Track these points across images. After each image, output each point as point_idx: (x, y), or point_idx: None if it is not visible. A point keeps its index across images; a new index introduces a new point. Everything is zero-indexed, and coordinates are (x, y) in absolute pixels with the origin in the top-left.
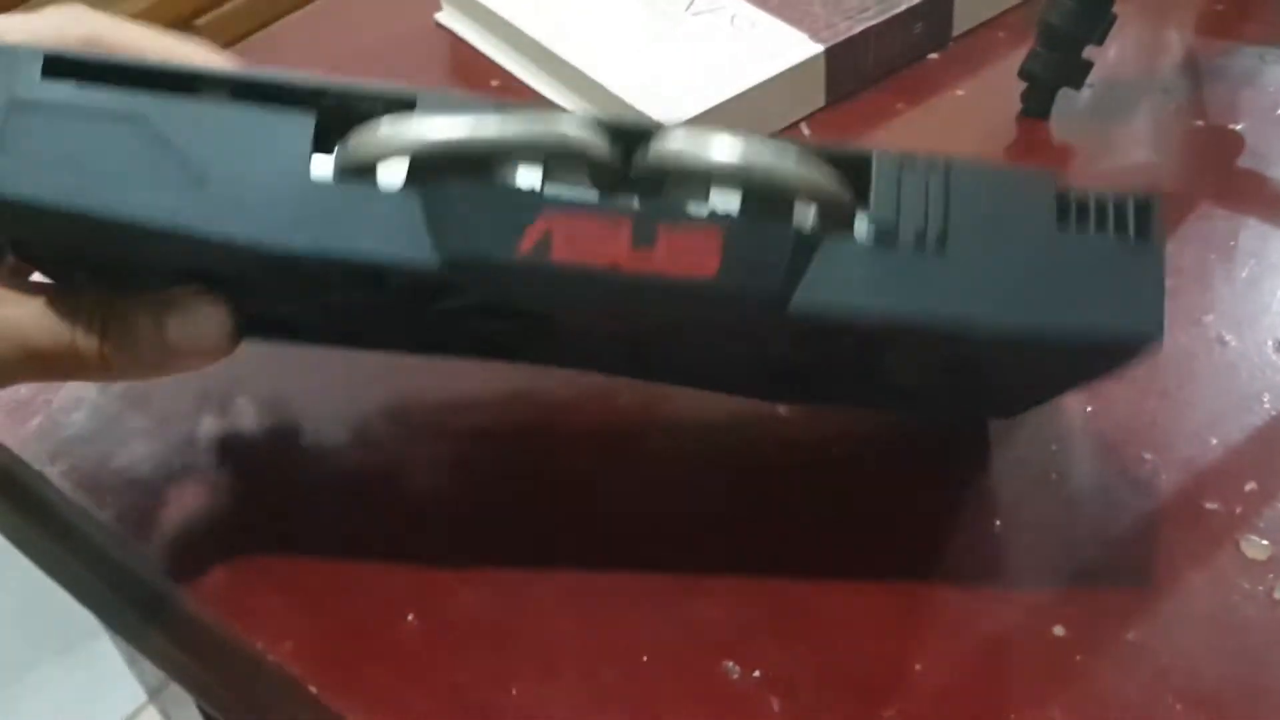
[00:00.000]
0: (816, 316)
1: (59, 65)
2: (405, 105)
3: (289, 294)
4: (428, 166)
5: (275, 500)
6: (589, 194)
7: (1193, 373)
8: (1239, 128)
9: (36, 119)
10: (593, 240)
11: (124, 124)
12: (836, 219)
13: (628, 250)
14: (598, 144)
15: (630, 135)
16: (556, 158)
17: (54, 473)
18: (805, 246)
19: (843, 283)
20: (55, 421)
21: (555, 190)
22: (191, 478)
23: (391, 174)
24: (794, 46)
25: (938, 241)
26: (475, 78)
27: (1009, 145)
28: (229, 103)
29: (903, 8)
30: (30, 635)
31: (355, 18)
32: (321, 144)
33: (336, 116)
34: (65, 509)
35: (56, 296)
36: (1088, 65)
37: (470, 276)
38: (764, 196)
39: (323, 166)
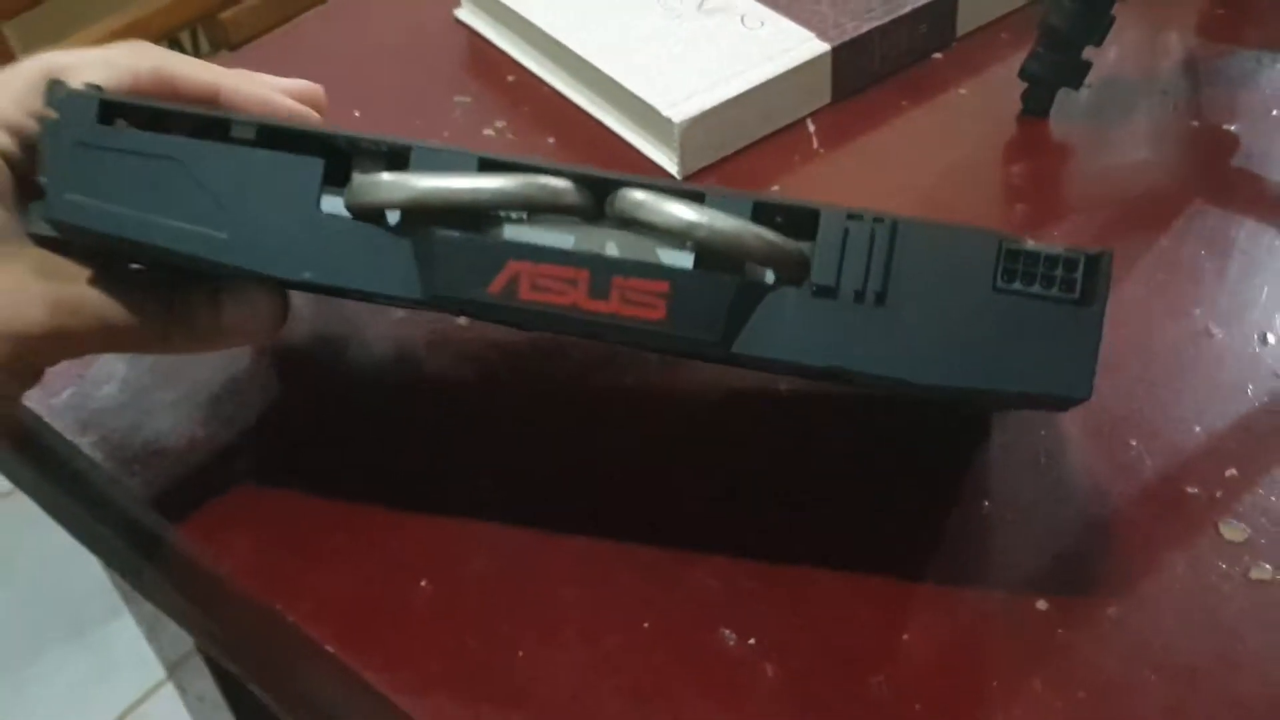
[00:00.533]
0: (757, 358)
1: (111, 110)
2: (402, 154)
3: (318, 290)
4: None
5: (298, 471)
6: (564, 237)
7: (1180, 363)
8: (1234, 128)
9: (93, 159)
10: (554, 285)
11: (163, 164)
12: (790, 273)
13: (585, 296)
14: (565, 201)
15: (601, 185)
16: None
17: (85, 443)
18: (748, 297)
19: (782, 332)
20: (86, 394)
21: (533, 232)
22: (216, 449)
23: (389, 214)
24: (801, 45)
25: (877, 297)
26: (492, 72)
27: (1009, 143)
28: (252, 147)
29: (908, 9)
30: (42, 619)
31: (376, 13)
32: (333, 178)
33: (347, 157)
34: (95, 477)
35: (128, 279)
36: (1086, 66)
37: (451, 307)
38: (714, 254)
39: (332, 203)
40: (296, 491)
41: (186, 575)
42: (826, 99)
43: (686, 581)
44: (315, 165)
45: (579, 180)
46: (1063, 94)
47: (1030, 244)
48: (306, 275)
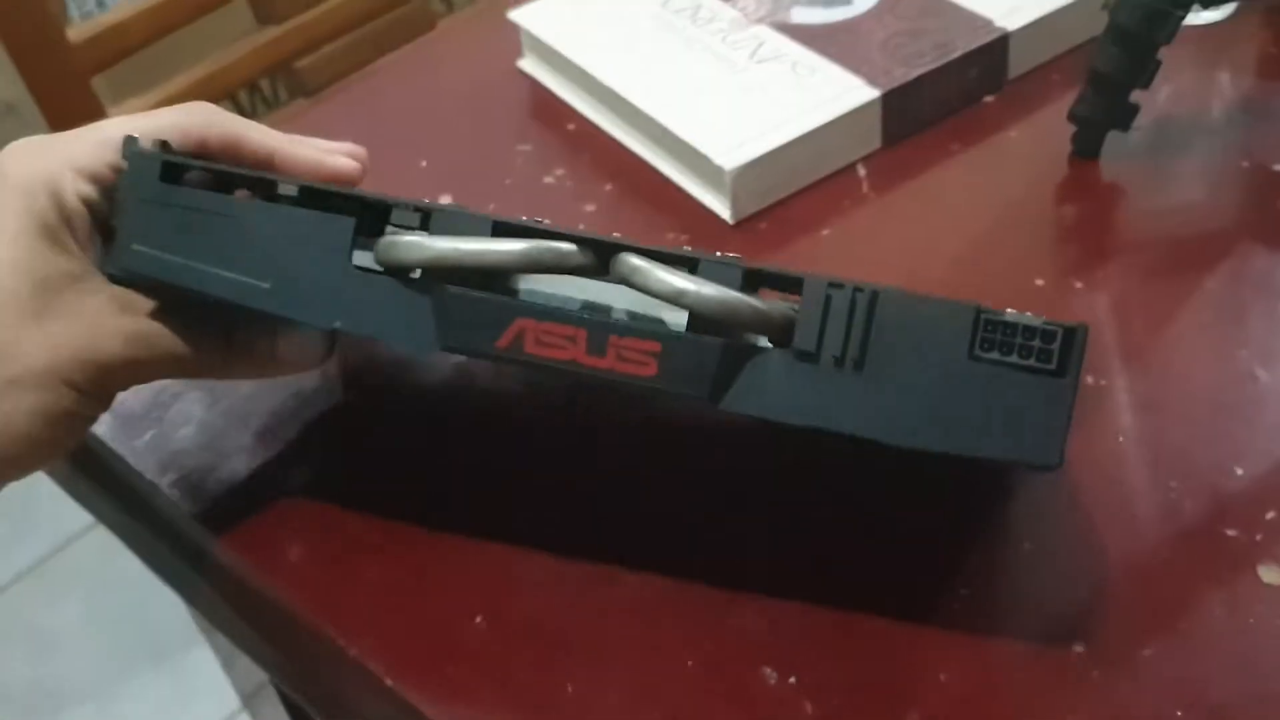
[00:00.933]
0: (744, 415)
1: (173, 169)
2: (425, 215)
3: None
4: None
5: (362, 513)
6: (576, 289)
7: (1222, 405)
8: None
9: (156, 214)
10: (556, 341)
11: (216, 220)
12: (778, 336)
13: (584, 352)
14: (571, 263)
15: (604, 248)
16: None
17: (164, 483)
18: (735, 358)
19: (766, 391)
20: (165, 435)
21: (547, 283)
22: (288, 491)
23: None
24: (851, 92)
25: (855, 363)
26: (553, 121)
27: (1059, 184)
28: (294, 205)
29: (958, 54)
30: (128, 645)
31: (443, 63)
32: (372, 231)
33: (385, 212)
34: (174, 515)
35: (194, 314)
36: (1134, 108)
37: (464, 356)
38: (702, 319)
39: (363, 258)
40: (362, 529)
41: (257, 609)
42: (877, 144)
43: (731, 621)
44: (347, 224)
45: (583, 244)
46: (1113, 135)
47: (1009, 315)
48: (336, 324)
